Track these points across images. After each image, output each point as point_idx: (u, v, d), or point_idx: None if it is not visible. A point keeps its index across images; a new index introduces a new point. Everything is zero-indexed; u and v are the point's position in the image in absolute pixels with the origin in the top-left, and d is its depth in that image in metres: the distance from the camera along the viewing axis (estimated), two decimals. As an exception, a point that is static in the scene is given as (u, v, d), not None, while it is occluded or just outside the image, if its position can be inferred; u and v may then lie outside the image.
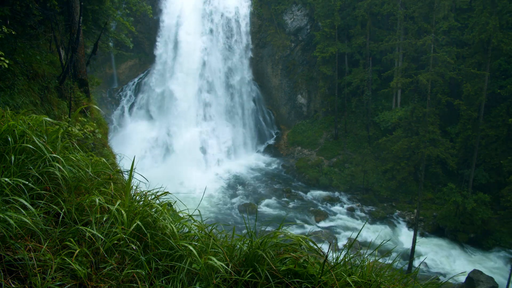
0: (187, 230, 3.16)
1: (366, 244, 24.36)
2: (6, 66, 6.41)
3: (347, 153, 37.07)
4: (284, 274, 2.75)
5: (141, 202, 3.27)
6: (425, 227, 28.57)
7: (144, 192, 3.38)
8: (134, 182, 3.55)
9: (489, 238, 26.65)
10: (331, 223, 28.94)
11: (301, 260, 2.83)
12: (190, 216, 3.25)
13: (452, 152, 29.62)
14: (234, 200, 31.82)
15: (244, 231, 3.10)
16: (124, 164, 3.56)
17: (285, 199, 32.21)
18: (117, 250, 2.68)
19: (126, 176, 3.69)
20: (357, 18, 37.39)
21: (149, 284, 2.56)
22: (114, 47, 30.06)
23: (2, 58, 6.31)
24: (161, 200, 3.37)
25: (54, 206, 2.86)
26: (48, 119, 3.70)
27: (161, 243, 2.85)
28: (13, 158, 2.99)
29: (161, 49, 39.46)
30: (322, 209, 30.80)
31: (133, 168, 3.48)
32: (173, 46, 38.81)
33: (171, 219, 3.01)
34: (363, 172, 32.89)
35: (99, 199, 2.95)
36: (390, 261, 3.12)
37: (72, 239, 2.61)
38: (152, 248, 2.79)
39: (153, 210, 3.09)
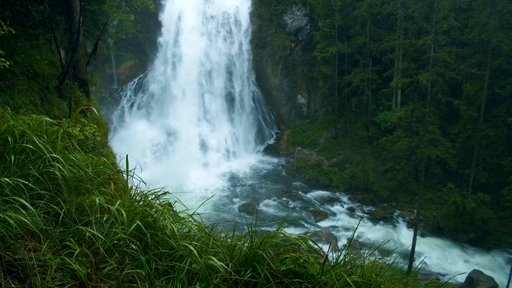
0: (187, 230, 3.15)
1: (366, 244, 24.37)
2: (7, 66, 6.41)
3: (347, 153, 37.06)
4: (284, 274, 2.74)
5: (141, 202, 3.27)
6: (425, 227, 28.56)
7: (144, 192, 3.38)
8: (135, 182, 3.55)
9: (489, 238, 26.63)
10: (331, 223, 28.92)
11: (301, 260, 2.83)
12: (190, 216, 3.24)
13: (452, 152, 29.59)
14: (234, 200, 31.80)
15: (244, 231, 3.10)
16: (124, 164, 3.56)
17: (285, 199, 32.18)
18: (117, 250, 2.68)
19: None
20: (357, 18, 37.38)
21: (149, 284, 2.55)
22: (114, 45, 29.94)
23: (3, 59, 6.31)
24: (161, 200, 3.37)
25: (54, 206, 2.86)
26: (48, 119, 3.69)
27: (161, 243, 2.85)
28: (13, 158, 2.98)
29: (161, 49, 39.49)
30: (322, 209, 30.78)
31: (133, 168, 3.47)
32: (173, 45, 38.83)
33: (171, 219, 3.00)
34: (363, 172, 32.87)
35: (99, 199, 2.94)
36: (390, 261, 3.12)
37: (72, 239, 2.60)
38: (152, 248, 2.79)
39: (153, 210, 3.09)
